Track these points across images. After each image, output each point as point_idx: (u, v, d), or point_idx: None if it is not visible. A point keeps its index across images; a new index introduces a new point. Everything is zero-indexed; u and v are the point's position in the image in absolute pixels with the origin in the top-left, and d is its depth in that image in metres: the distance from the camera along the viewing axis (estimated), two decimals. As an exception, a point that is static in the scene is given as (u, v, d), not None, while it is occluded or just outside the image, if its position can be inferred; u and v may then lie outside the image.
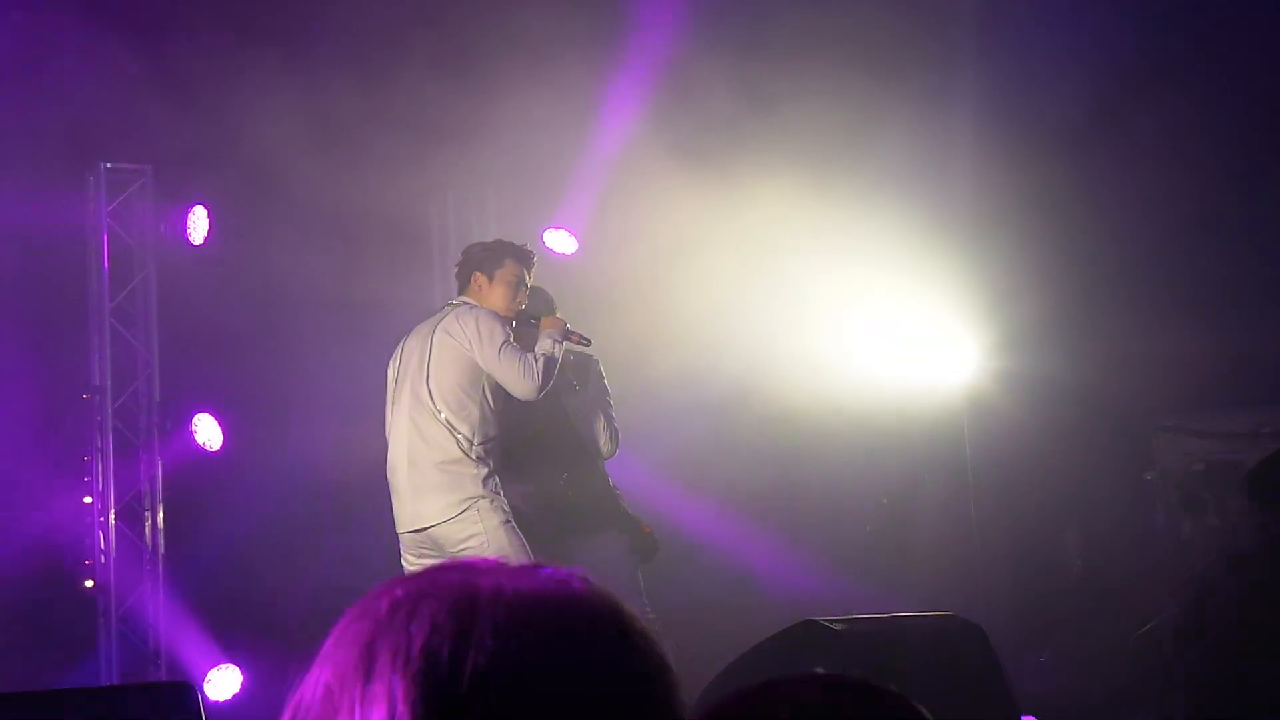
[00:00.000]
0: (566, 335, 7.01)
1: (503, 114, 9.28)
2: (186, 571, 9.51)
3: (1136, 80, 10.01)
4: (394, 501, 6.98)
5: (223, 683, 9.26)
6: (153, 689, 6.19)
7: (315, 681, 1.30)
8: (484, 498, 6.75)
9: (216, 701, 9.07)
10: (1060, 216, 9.96)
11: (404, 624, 1.28)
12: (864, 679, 1.51)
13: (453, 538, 6.71)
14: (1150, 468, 10.36)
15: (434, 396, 6.87)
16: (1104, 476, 10.50)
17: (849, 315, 9.98)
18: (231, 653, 9.36)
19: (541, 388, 6.80)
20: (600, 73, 9.53)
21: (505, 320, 6.95)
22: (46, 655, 8.90)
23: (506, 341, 6.82)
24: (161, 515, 9.59)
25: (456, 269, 7.29)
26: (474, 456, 6.81)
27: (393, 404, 7.07)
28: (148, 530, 9.57)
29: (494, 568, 1.34)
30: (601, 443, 7.53)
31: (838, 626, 4.25)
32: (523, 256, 7.17)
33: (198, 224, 9.71)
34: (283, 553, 9.45)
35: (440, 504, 6.77)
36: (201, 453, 9.68)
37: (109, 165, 9.62)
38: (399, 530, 6.95)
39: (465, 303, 7.05)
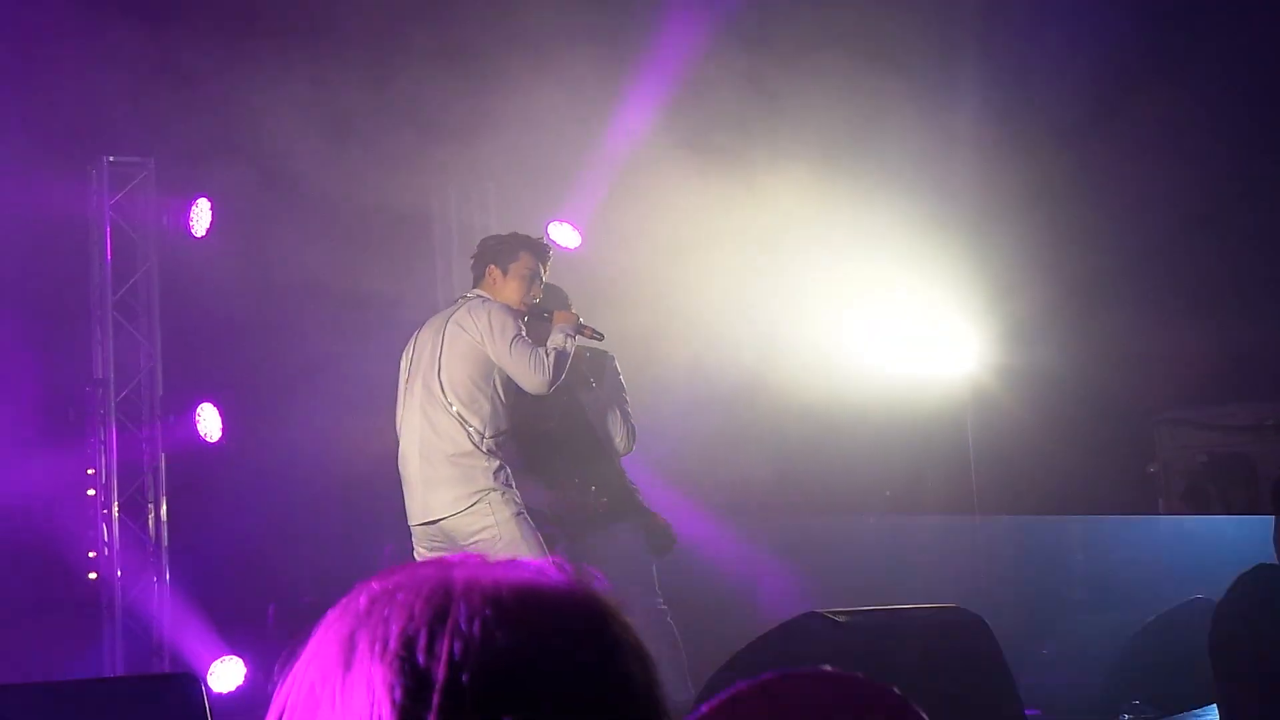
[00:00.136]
0: (579, 330, 7.00)
1: (506, 108, 9.28)
2: (190, 564, 9.52)
3: (1136, 76, 10.01)
4: (405, 493, 6.97)
5: (226, 675, 9.28)
6: (156, 681, 6.19)
7: (297, 679, 1.31)
8: (495, 490, 6.73)
9: (220, 693, 9.09)
10: (1062, 211, 9.97)
11: (382, 614, 1.29)
12: (867, 677, 1.52)
13: (464, 530, 6.69)
14: (1152, 460, 10.37)
15: (445, 389, 6.86)
16: (1106, 469, 10.51)
17: (852, 310, 9.99)
18: (235, 645, 9.37)
19: (552, 382, 6.79)
20: (604, 68, 9.52)
21: (518, 314, 6.93)
22: (50, 647, 8.91)
23: (518, 335, 6.80)
24: (164, 507, 9.61)
25: (471, 262, 7.26)
26: (485, 449, 6.79)
27: (405, 396, 7.05)
28: (151, 522, 9.58)
29: (472, 561, 1.35)
30: (618, 439, 7.52)
31: (841, 618, 4.26)
32: (538, 250, 7.15)
33: (200, 216, 9.72)
34: (286, 545, 9.46)
35: (451, 496, 6.75)
36: (204, 445, 9.69)
37: (112, 158, 9.63)
38: (410, 523, 6.92)
39: (479, 296, 7.03)
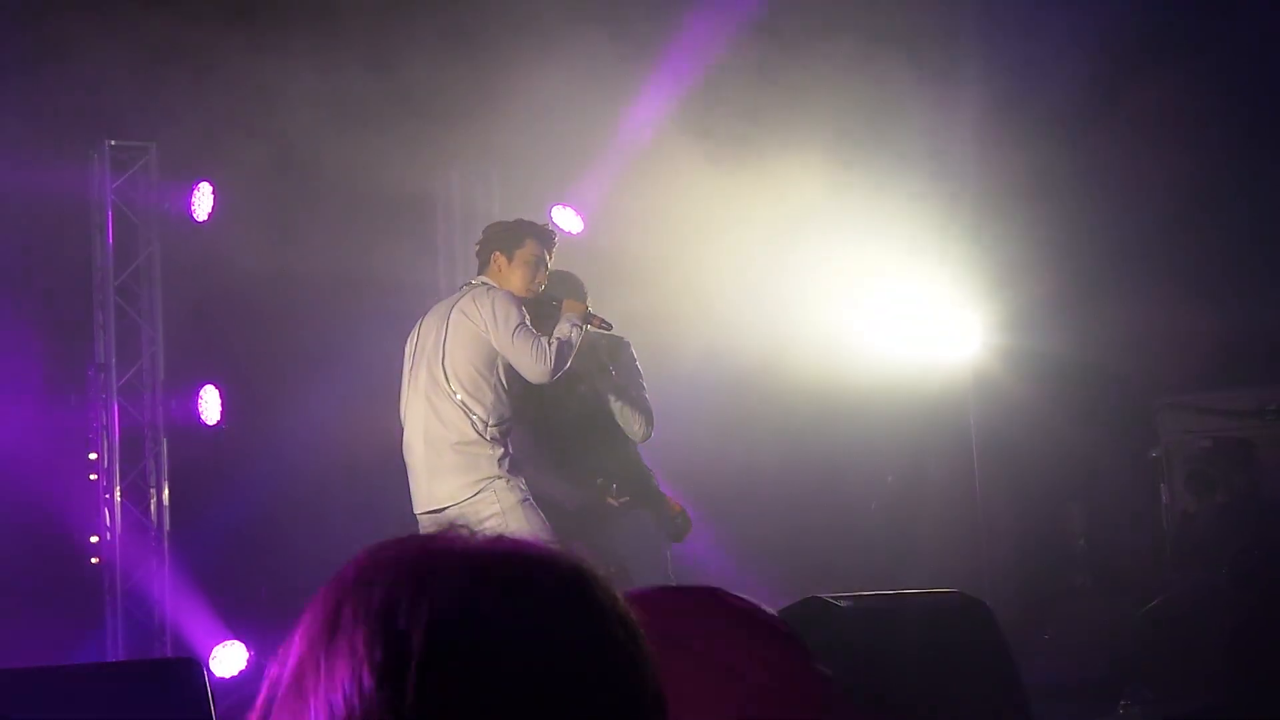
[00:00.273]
0: (587, 319, 6.96)
1: (510, 92, 9.27)
2: (192, 548, 9.53)
3: (1138, 61, 10.01)
4: (410, 482, 6.93)
5: (228, 659, 9.29)
6: (158, 665, 6.19)
7: (287, 653, 1.33)
8: (500, 477, 6.71)
9: (222, 678, 9.10)
10: (1065, 196, 9.97)
11: (365, 582, 1.31)
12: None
13: (470, 518, 6.59)
14: (1154, 445, 10.37)
15: (449, 377, 6.82)
16: (1108, 453, 10.53)
17: (854, 295, 9.98)
18: (237, 629, 9.38)
19: (554, 372, 6.73)
20: (611, 52, 9.50)
21: (522, 302, 6.90)
22: (52, 632, 8.91)
23: (521, 324, 6.75)
24: (167, 492, 9.61)
25: (477, 248, 7.21)
26: (490, 438, 6.76)
27: (409, 383, 7.02)
28: (153, 507, 9.59)
29: (456, 535, 1.37)
30: (635, 426, 7.45)
31: (843, 603, 4.25)
32: (543, 236, 7.09)
33: (202, 201, 9.72)
34: (288, 529, 9.46)
35: (456, 485, 6.73)
36: (206, 429, 9.70)
37: (114, 142, 9.62)
38: (416, 511, 6.88)
39: (484, 283, 6.98)
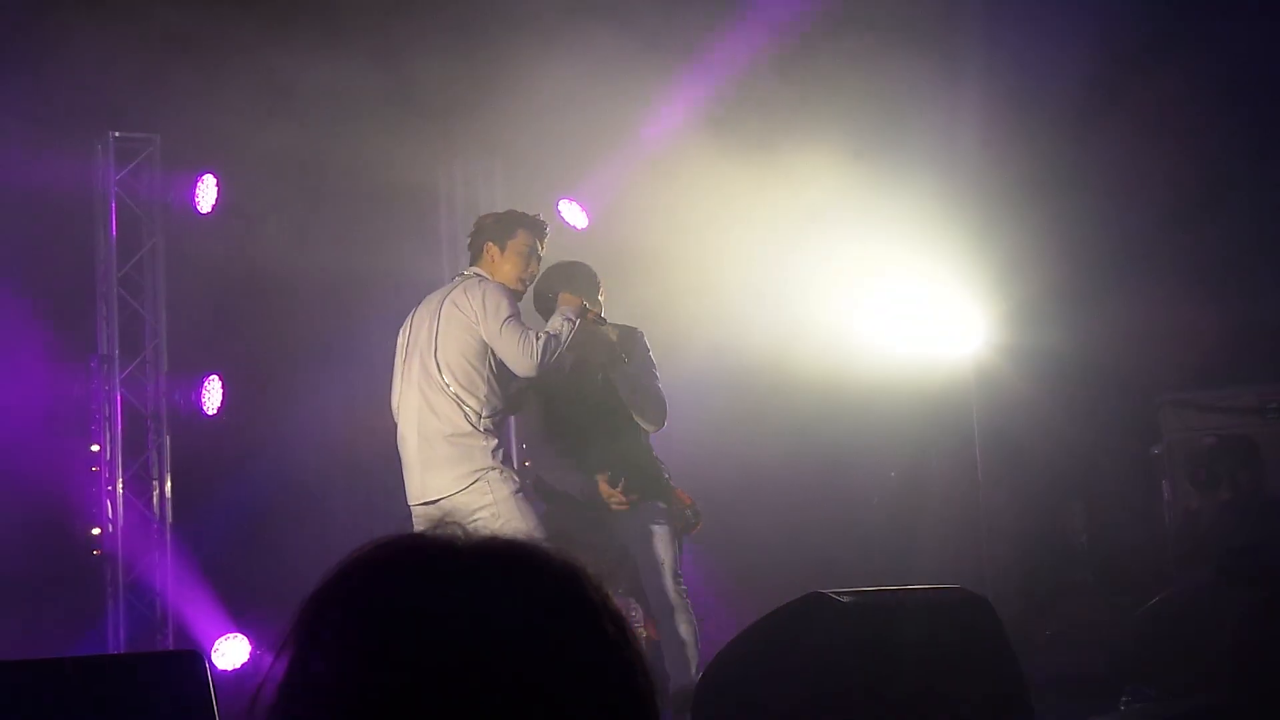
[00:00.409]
0: (582, 314, 6.95)
1: (514, 87, 9.26)
2: (194, 540, 9.53)
3: (1141, 56, 10.00)
4: (405, 474, 6.94)
5: (231, 652, 9.30)
6: (160, 658, 6.20)
7: (282, 647, 1.35)
8: (493, 469, 6.72)
9: (224, 670, 9.11)
10: (1067, 191, 9.96)
11: (357, 583, 1.33)
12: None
13: (464, 510, 6.58)
14: (1157, 441, 10.36)
15: (442, 369, 6.82)
16: (1110, 450, 10.52)
17: (857, 291, 9.97)
18: (239, 622, 9.39)
19: (540, 365, 6.71)
20: (616, 45, 9.49)
21: (513, 294, 6.90)
22: (54, 624, 8.93)
23: (511, 316, 6.75)
24: (169, 484, 9.61)
25: (469, 240, 7.24)
26: (483, 429, 6.77)
27: (402, 375, 7.01)
28: (155, 499, 9.59)
29: (450, 534, 1.37)
30: (649, 415, 7.44)
31: (845, 599, 4.25)
32: (535, 226, 7.10)
33: (206, 193, 9.72)
34: (291, 521, 9.47)
35: (450, 476, 6.73)
36: (209, 421, 9.70)
37: (117, 134, 9.62)
38: (410, 503, 6.89)
39: (476, 274, 6.99)
